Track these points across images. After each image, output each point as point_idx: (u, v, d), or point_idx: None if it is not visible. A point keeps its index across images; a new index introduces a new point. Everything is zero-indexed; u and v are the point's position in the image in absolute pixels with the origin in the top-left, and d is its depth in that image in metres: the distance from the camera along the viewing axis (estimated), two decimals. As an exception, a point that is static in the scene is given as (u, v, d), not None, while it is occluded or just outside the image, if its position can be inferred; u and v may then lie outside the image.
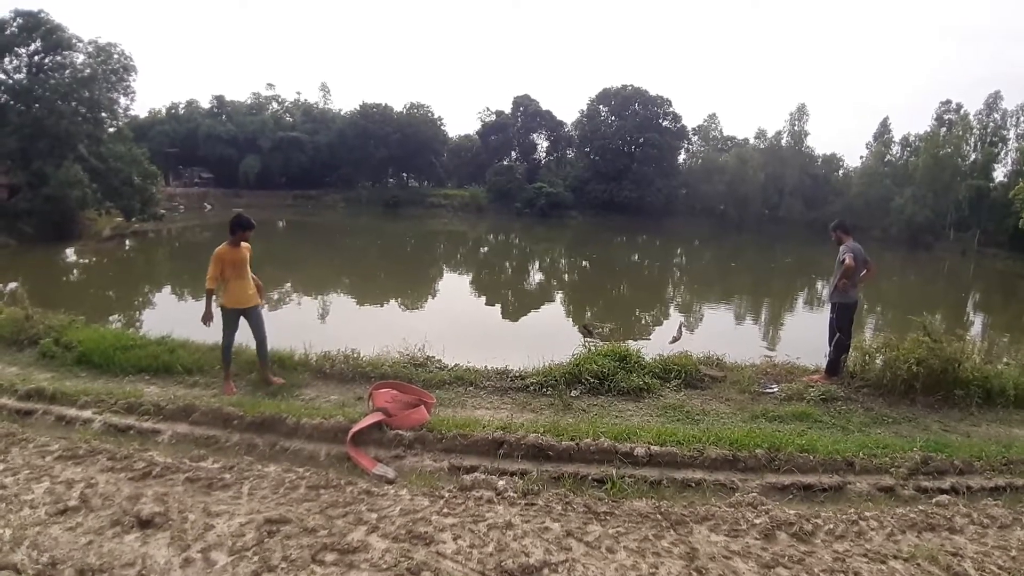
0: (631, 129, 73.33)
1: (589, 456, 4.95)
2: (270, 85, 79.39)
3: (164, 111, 73.67)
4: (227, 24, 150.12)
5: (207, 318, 6.62)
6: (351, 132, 74.05)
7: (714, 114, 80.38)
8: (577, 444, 4.99)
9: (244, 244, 6.83)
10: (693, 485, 4.82)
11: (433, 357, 7.27)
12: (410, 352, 7.37)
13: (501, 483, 4.44)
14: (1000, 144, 64.11)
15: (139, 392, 6.12)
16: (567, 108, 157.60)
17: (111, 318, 16.99)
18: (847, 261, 7.26)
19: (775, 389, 7.03)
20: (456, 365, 7.08)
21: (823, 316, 23.36)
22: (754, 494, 4.64)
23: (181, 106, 74.36)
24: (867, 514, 4.52)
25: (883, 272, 48.89)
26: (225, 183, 68.90)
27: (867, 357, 7.47)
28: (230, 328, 6.70)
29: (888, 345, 7.52)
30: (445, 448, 5.04)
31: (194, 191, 64.80)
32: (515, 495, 4.28)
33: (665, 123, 75.14)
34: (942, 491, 5.27)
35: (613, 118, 75.40)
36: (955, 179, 60.85)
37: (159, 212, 38.93)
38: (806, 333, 20.38)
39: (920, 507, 4.92)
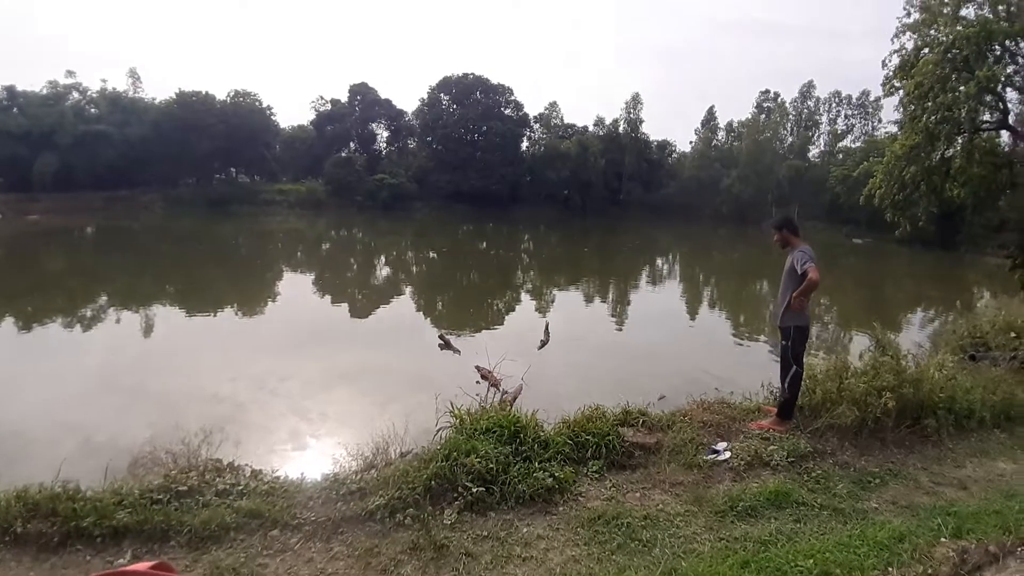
0: (473, 118, 71.54)
1: None
2: (70, 72, 67.18)
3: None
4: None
5: None
6: (167, 123, 65.08)
7: (555, 102, 79.75)
8: None
9: None
10: None
11: (219, 462, 4.49)
12: (185, 452, 4.61)
13: None
14: (814, 128, 70.31)
15: None
16: (407, 97, 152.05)
17: None
18: (811, 275, 5.37)
19: (727, 454, 5.06)
20: (257, 477, 4.31)
21: (668, 294, 24.41)
22: None
23: (-40, 100, 61.93)
24: None
25: (719, 246, 52.20)
26: (17, 186, 57.37)
27: (821, 391, 5.76)
28: None
29: (844, 372, 5.86)
30: None
31: (-23, 198, 54.29)
32: None
33: (507, 111, 74.08)
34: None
35: (455, 107, 73.18)
36: (775, 160, 66.25)
37: (-73, 225, 31.56)
38: (661, 309, 22.23)
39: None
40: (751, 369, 13.63)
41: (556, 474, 4.46)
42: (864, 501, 4.65)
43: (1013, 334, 8.42)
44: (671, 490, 4.54)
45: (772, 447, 5.20)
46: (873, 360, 5.98)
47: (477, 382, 10.65)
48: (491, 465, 4.31)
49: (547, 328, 15.71)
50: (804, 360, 5.71)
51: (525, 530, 3.95)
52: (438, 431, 4.98)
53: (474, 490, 4.13)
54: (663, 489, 4.55)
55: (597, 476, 4.68)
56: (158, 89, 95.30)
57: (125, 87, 70.90)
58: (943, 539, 4.19)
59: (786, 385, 5.68)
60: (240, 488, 4.09)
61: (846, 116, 70.77)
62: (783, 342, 5.72)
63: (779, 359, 5.83)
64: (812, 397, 5.80)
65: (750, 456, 5.04)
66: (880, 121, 66.69)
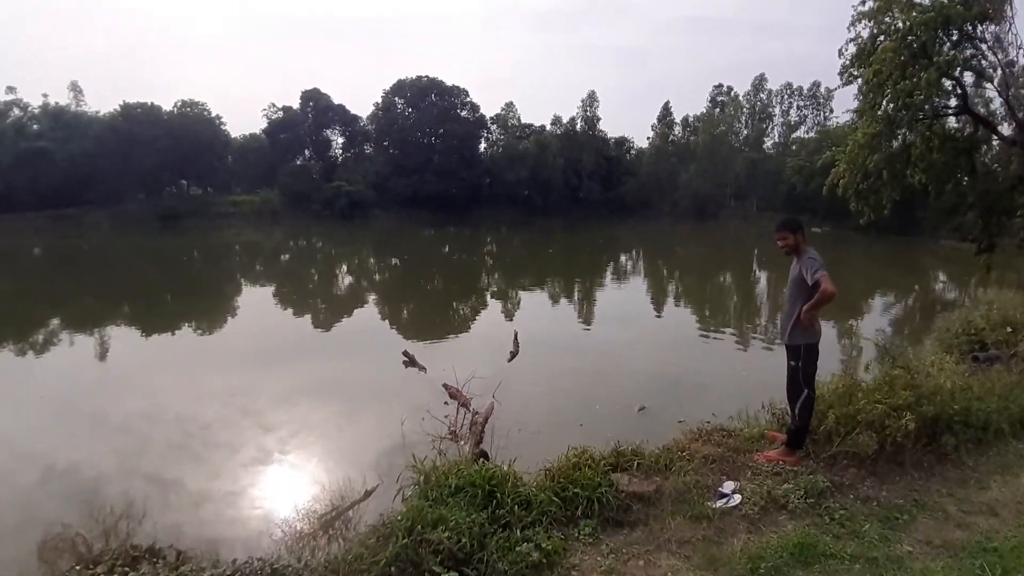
0: (429, 120, 70.67)
1: None
2: (11, 89, 64.41)
3: None
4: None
5: None
6: (112, 137, 62.50)
7: (511, 103, 79.05)
8: None
9: None
10: None
11: (137, 547, 3.63)
12: (101, 530, 3.79)
13: None
14: (768, 120, 71.28)
15: None
16: (360, 102, 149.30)
17: None
18: (825, 286, 4.65)
19: (737, 497, 4.42)
20: (176, 569, 3.45)
21: (633, 291, 24.34)
22: None
23: None
24: None
25: (680, 242, 52.24)
26: (-45, 209, 55.29)
27: (834, 415, 5.14)
28: None
29: (856, 391, 5.27)
30: None
31: (-89, 224, 51.27)
32: None
33: (463, 113, 73.35)
34: None
35: (410, 110, 72.18)
36: (731, 153, 67.06)
37: None
38: (627, 307, 21.86)
39: None
40: (719, 361, 13.69)
41: (543, 544, 3.71)
42: (896, 544, 4.05)
43: (1010, 329, 8.01)
44: (679, 551, 3.84)
45: (787, 485, 4.54)
46: (885, 374, 5.41)
47: (446, 403, 9.96)
48: (463, 539, 3.55)
49: (516, 338, 14.99)
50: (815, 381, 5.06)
51: (510, 627, 3.22)
52: (399, 491, 4.23)
53: (445, 574, 3.37)
54: (670, 551, 3.84)
55: (591, 540, 3.95)
56: (100, 102, 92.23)
57: (67, 101, 68.18)
58: (987, 582, 3.64)
59: (797, 412, 5.01)
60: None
61: (799, 107, 71.97)
62: (792, 363, 5.01)
63: (786, 381, 5.13)
64: (824, 421, 5.15)
65: (763, 499, 4.37)
66: (832, 112, 67.96)
